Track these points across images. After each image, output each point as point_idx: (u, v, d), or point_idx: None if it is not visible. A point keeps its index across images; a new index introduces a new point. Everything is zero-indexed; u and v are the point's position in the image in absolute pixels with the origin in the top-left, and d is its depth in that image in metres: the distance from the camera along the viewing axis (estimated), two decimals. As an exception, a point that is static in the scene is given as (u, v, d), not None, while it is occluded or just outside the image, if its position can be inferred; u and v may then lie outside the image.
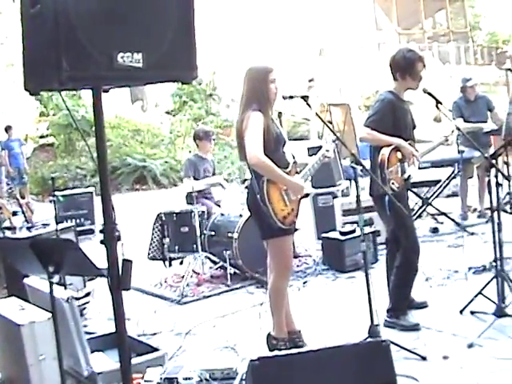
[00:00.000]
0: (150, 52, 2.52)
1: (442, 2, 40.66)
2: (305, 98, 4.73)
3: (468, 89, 9.55)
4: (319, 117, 4.96)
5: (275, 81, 4.80)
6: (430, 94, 5.36)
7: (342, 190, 9.49)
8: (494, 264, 6.41)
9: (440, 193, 9.87)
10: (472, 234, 8.72)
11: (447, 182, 9.77)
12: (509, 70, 8.39)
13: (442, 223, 9.62)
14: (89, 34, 2.40)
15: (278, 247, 4.82)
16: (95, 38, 2.41)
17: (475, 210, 10.19)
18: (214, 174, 8.66)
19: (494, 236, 5.27)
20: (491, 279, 5.40)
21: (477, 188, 9.95)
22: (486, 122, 9.44)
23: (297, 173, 4.93)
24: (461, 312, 5.55)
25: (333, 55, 34.00)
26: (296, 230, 5.16)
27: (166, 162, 20.71)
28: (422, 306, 5.86)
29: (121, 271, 2.68)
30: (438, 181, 9.84)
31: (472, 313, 5.50)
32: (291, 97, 4.81)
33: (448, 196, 11.19)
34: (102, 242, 2.69)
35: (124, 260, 2.70)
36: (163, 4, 2.58)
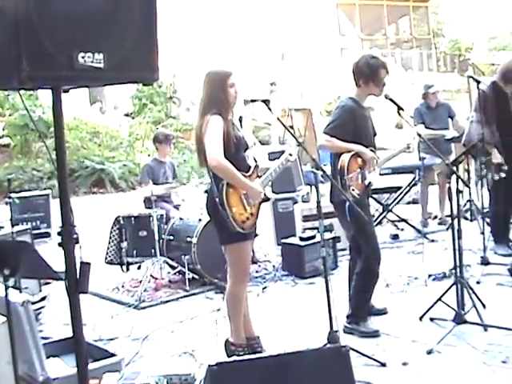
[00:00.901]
0: (111, 52, 2.52)
1: (405, 9, 41.09)
2: (266, 102, 4.75)
3: (430, 95, 9.68)
4: (280, 121, 5.00)
5: (234, 85, 4.82)
6: (391, 100, 5.42)
7: (303, 196, 9.54)
8: (452, 271, 6.58)
9: (401, 199, 9.98)
10: (432, 240, 8.82)
11: (408, 188, 9.88)
12: (471, 77, 8.47)
13: (402, 230, 9.72)
14: (49, 32, 2.38)
15: (236, 252, 4.83)
16: (56, 37, 2.39)
17: (436, 217, 10.32)
18: (174, 178, 8.66)
19: (453, 243, 5.34)
20: (450, 286, 5.47)
21: (437, 195, 10.07)
22: (447, 129, 9.58)
23: (258, 177, 4.95)
24: (420, 318, 5.62)
25: (295, 60, 34.11)
26: (256, 235, 5.17)
27: (125, 165, 20.59)
28: (382, 312, 5.92)
29: (78, 274, 2.67)
30: (399, 187, 9.95)
31: (431, 319, 5.57)
32: (252, 101, 4.84)
33: (408, 203, 11.33)
34: (59, 244, 2.68)
35: (82, 263, 2.69)
36: (126, 4, 2.58)
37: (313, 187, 10.58)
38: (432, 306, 5.57)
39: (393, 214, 9.84)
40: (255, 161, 5.04)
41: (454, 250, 5.35)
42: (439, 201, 10.07)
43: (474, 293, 5.50)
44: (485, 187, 7.89)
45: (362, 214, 4.90)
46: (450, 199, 5.38)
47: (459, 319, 5.22)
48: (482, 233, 7.82)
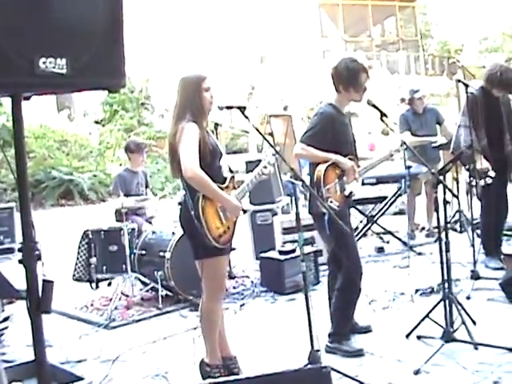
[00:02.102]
0: (74, 57, 2.51)
1: (391, 9, 41.28)
2: (241, 108, 4.75)
3: (416, 101, 9.75)
4: (256, 129, 5.00)
5: (210, 89, 4.82)
6: (374, 105, 5.44)
7: (282, 207, 9.56)
8: (441, 286, 6.61)
9: (386, 210, 10.01)
10: (419, 254, 8.88)
11: (394, 199, 9.92)
12: (459, 81, 8.53)
13: (387, 242, 9.77)
14: (8, 36, 2.36)
15: (211, 267, 4.82)
16: (15, 41, 2.37)
17: (423, 228, 10.39)
18: (146, 187, 8.66)
19: (441, 256, 5.36)
20: (438, 302, 5.47)
21: (425, 205, 10.13)
22: (434, 135, 9.64)
23: (234, 188, 4.95)
24: (407, 336, 5.61)
25: (275, 63, 34.19)
26: (232, 249, 5.17)
27: (95, 175, 20.55)
28: (366, 330, 5.92)
29: (41, 293, 2.65)
30: (384, 197, 9.99)
31: (418, 337, 5.56)
32: (228, 107, 4.83)
33: (395, 214, 11.42)
34: (20, 261, 2.66)
35: (44, 281, 2.68)
36: (89, 6, 2.57)
37: (293, 198, 10.63)
38: (419, 324, 5.56)
39: (378, 226, 9.88)
40: (231, 171, 5.04)
41: (442, 263, 5.36)
42: (427, 212, 10.13)
43: (463, 309, 5.51)
44: (475, 197, 7.92)
45: (342, 225, 4.89)
46: (437, 210, 5.40)
47: (448, 337, 5.23)
48: (472, 245, 7.89)
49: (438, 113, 10.02)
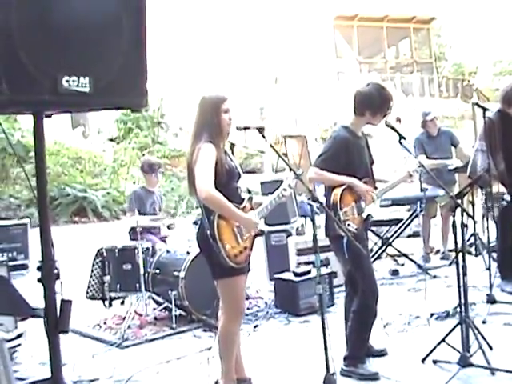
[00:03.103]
0: (97, 76, 2.51)
1: (405, 31, 41.32)
2: (260, 129, 4.75)
3: (428, 123, 9.73)
4: (275, 151, 4.97)
5: (229, 111, 4.81)
6: (392, 128, 5.43)
7: (297, 228, 9.52)
8: (456, 310, 6.55)
9: (401, 232, 9.97)
10: (434, 277, 8.82)
11: (409, 221, 9.87)
12: (477, 104, 8.52)
13: (402, 265, 9.71)
14: (32, 54, 2.37)
15: (229, 288, 4.80)
16: (39, 59, 2.38)
17: (438, 251, 10.33)
18: (160, 209, 8.67)
19: (458, 280, 5.31)
20: (455, 326, 5.42)
21: (440, 228, 10.07)
22: (449, 158, 9.61)
23: (252, 209, 4.92)
24: (423, 361, 5.54)
25: (289, 83, 34.24)
26: (249, 269, 5.14)
27: (108, 193, 20.57)
28: (381, 353, 5.87)
29: (59, 312, 2.64)
30: (400, 220, 9.95)
31: (434, 362, 5.49)
32: (246, 128, 4.83)
33: (409, 236, 11.34)
34: (39, 280, 2.65)
35: (63, 300, 2.67)
36: (114, 26, 2.57)
37: (307, 219, 10.58)
38: (435, 348, 5.51)
39: (392, 248, 9.83)
40: (249, 192, 5.02)
41: (459, 287, 5.32)
42: (442, 234, 10.09)
43: (479, 333, 5.45)
44: (491, 220, 7.88)
45: (360, 248, 4.87)
46: (455, 233, 5.36)
47: (464, 362, 5.17)
48: (488, 269, 7.82)
49: (453, 135, 10.00)
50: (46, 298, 2.64)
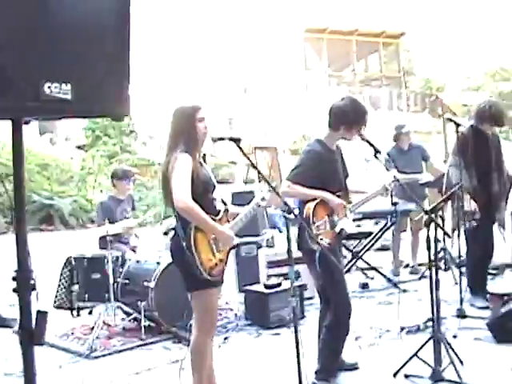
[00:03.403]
0: (79, 83, 2.44)
1: (375, 45, 41.53)
2: (236, 140, 4.70)
3: (402, 136, 9.75)
4: (251, 162, 4.93)
5: (204, 120, 4.77)
6: (368, 141, 5.41)
7: (267, 240, 9.47)
8: (427, 324, 6.58)
9: (371, 246, 9.98)
10: (404, 291, 8.83)
11: (380, 234, 9.89)
12: (450, 119, 8.55)
13: (372, 278, 9.72)
14: (12, 59, 2.30)
15: (203, 300, 4.73)
16: (20, 63, 2.31)
17: (407, 265, 10.35)
18: (133, 209, 8.60)
19: (431, 294, 5.32)
20: (427, 340, 5.43)
21: (409, 242, 10.10)
22: (421, 172, 9.63)
23: (228, 221, 4.88)
24: (394, 375, 5.53)
25: (258, 95, 34.25)
26: (223, 282, 5.08)
27: (76, 201, 20.39)
28: (353, 367, 5.85)
29: (34, 324, 2.57)
30: (370, 233, 9.96)
31: (406, 376, 5.48)
32: (221, 138, 4.79)
33: (377, 249, 11.36)
34: (14, 290, 2.58)
35: (39, 311, 2.60)
36: (97, 33, 2.51)
37: (276, 231, 10.58)
38: (407, 362, 5.50)
39: (362, 262, 9.83)
40: (224, 204, 4.98)
41: (432, 301, 5.34)
42: (412, 248, 10.11)
43: (451, 348, 5.46)
44: (461, 235, 7.91)
45: (333, 263, 4.87)
46: (429, 248, 5.37)
47: (437, 377, 5.19)
48: (457, 283, 7.88)
49: (424, 149, 10.03)
50: (22, 310, 2.57)
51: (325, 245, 5.17)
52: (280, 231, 12.55)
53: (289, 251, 4.67)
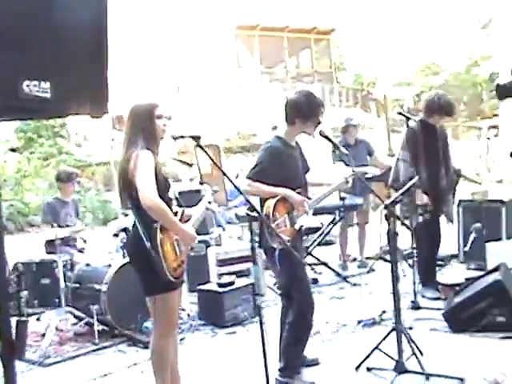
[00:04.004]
0: (58, 81, 2.34)
1: (306, 41, 41.68)
2: (196, 138, 4.61)
3: (351, 128, 9.78)
4: (213, 161, 4.83)
5: (162, 117, 4.70)
6: (327, 137, 5.39)
7: (215, 238, 9.41)
8: (383, 317, 6.63)
9: (321, 241, 9.97)
10: (354, 284, 8.84)
11: (329, 229, 9.89)
12: (400, 113, 8.57)
13: (320, 273, 9.69)
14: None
15: (165, 303, 4.63)
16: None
17: (355, 259, 10.37)
18: (77, 215, 8.43)
19: (393, 287, 5.33)
20: (389, 332, 5.44)
21: (356, 236, 10.13)
22: (366, 166, 9.66)
23: (185, 222, 4.80)
24: (356, 369, 5.53)
25: (191, 93, 34.07)
26: (183, 282, 4.99)
27: (12, 205, 19.90)
28: (314, 363, 5.82)
29: (15, 335, 2.45)
30: (318, 228, 9.93)
31: (369, 369, 5.50)
32: (181, 137, 4.71)
33: (320, 244, 11.36)
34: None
35: (19, 321, 2.48)
36: (76, 29, 2.41)
37: (220, 229, 10.52)
38: (369, 355, 5.51)
39: (310, 257, 9.81)
40: (180, 205, 4.91)
41: (394, 294, 5.34)
42: (359, 242, 10.13)
43: (412, 340, 5.47)
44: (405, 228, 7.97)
45: (294, 260, 4.84)
46: (390, 242, 5.37)
47: (400, 368, 5.21)
48: (405, 275, 7.95)
49: (369, 144, 10.08)
50: (1, 321, 2.44)
51: (284, 242, 5.11)
52: (223, 229, 12.50)
53: (252, 248, 4.63)
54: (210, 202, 5.13)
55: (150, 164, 4.44)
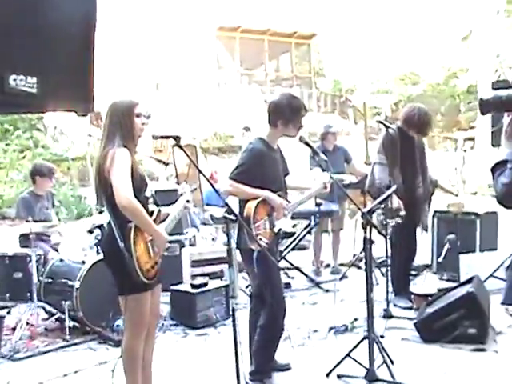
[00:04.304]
0: (45, 77, 2.33)
1: (287, 45, 41.73)
2: (176, 138, 4.59)
3: (329, 135, 9.81)
4: (192, 161, 4.83)
5: (141, 115, 4.67)
6: (307, 143, 5.41)
7: (190, 239, 9.39)
8: (355, 324, 6.65)
9: (295, 246, 9.98)
10: (327, 291, 8.85)
11: (303, 235, 9.90)
12: (380, 122, 8.62)
13: (292, 278, 9.70)
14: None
15: (137, 303, 4.61)
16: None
17: (328, 265, 10.39)
18: (53, 207, 8.41)
19: (367, 296, 5.35)
20: (361, 340, 5.47)
21: (330, 242, 10.15)
22: (343, 173, 9.69)
23: (161, 222, 4.79)
24: (327, 375, 5.54)
25: (170, 91, 33.98)
26: (159, 282, 4.98)
27: (-14, 197, 19.72)
28: (285, 368, 5.81)
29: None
30: (293, 233, 9.92)
31: (339, 376, 5.50)
32: (162, 137, 4.72)
33: (294, 248, 11.36)
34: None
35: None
36: (64, 27, 2.40)
37: (195, 229, 10.49)
38: (340, 362, 5.51)
39: (284, 261, 9.81)
40: (157, 204, 4.88)
41: (368, 303, 5.35)
42: (332, 248, 10.15)
43: (383, 348, 5.49)
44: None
45: (271, 263, 4.87)
46: (365, 250, 5.39)
47: (372, 376, 5.23)
48: (378, 283, 7.97)
49: (347, 151, 10.11)
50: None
51: (263, 244, 5.12)
52: (198, 230, 12.46)
53: (229, 250, 4.59)
54: (188, 201, 5.11)
55: (127, 162, 4.42)
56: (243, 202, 5.30)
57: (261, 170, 5.28)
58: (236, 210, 5.08)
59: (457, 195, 13.70)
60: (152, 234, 4.52)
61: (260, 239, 5.15)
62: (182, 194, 5.22)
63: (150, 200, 4.82)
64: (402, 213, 7.53)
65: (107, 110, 4.69)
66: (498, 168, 3.45)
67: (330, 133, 9.86)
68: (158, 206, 4.89)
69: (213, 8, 36.17)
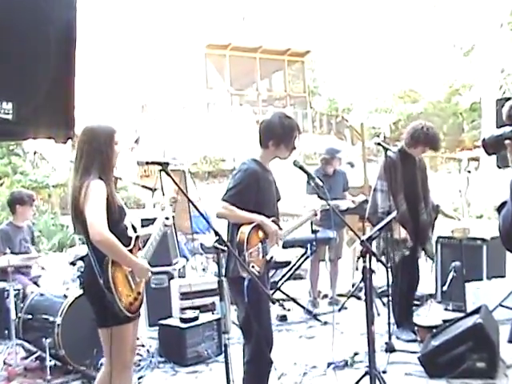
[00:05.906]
0: (21, 103, 2.32)
1: (279, 63, 41.73)
2: (164, 164, 4.58)
3: (334, 161, 9.76)
4: (179, 187, 4.81)
5: (118, 143, 4.67)
6: (301, 167, 5.37)
7: (179, 270, 9.33)
8: (355, 359, 6.61)
9: (290, 276, 9.94)
10: (325, 323, 8.81)
11: (299, 264, 9.87)
12: (379, 144, 8.61)
13: (289, 310, 9.66)
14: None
15: (119, 337, 4.60)
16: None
17: (325, 296, 10.34)
18: (33, 242, 8.33)
19: (368, 329, 5.30)
20: (362, 376, 5.43)
21: (328, 272, 10.10)
22: (342, 198, 9.67)
23: (140, 249, 4.81)
24: (326, 414, 5.51)
25: (157, 112, 34.00)
26: (139, 315, 4.95)
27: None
28: (280, 406, 5.77)
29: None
30: (288, 262, 9.92)
31: (339, 415, 5.47)
32: (148, 163, 4.70)
33: (289, 278, 11.33)
34: None
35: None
36: (42, 52, 2.40)
37: (184, 259, 10.44)
38: (340, 401, 5.49)
39: (279, 293, 9.77)
40: (134, 230, 4.88)
41: (369, 336, 5.31)
42: (330, 278, 10.10)
43: (385, 384, 5.47)
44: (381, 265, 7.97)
45: (261, 293, 4.85)
46: (365, 280, 5.36)
47: (374, 416, 5.18)
48: (380, 314, 7.93)
49: (346, 176, 10.09)
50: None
51: (255, 272, 5.08)
52: (187, 260, 12.40)
53: (220, 282, 4.55)
54: (167, 218, 5.09)
55: (101, 195, 4.45)
56: (234, 226, 5.24)
57: (255, 192, 5.24)
58: (224, 233, 5.03)
59: (459, 220, 13.66)
60: (131, 266, 4.56)
61: (252, 267, 5.10)
62: (163, 209, 5.22)
63: (130, 228, 4.82)
64: (410, 244, 7.52)
65: (84, 134, 4.57)
66: (503, 207, 3.45)
67: (335, 158, 9.82)
68: (135, 231, 4.88)
69: (201, 25, 36.25)
